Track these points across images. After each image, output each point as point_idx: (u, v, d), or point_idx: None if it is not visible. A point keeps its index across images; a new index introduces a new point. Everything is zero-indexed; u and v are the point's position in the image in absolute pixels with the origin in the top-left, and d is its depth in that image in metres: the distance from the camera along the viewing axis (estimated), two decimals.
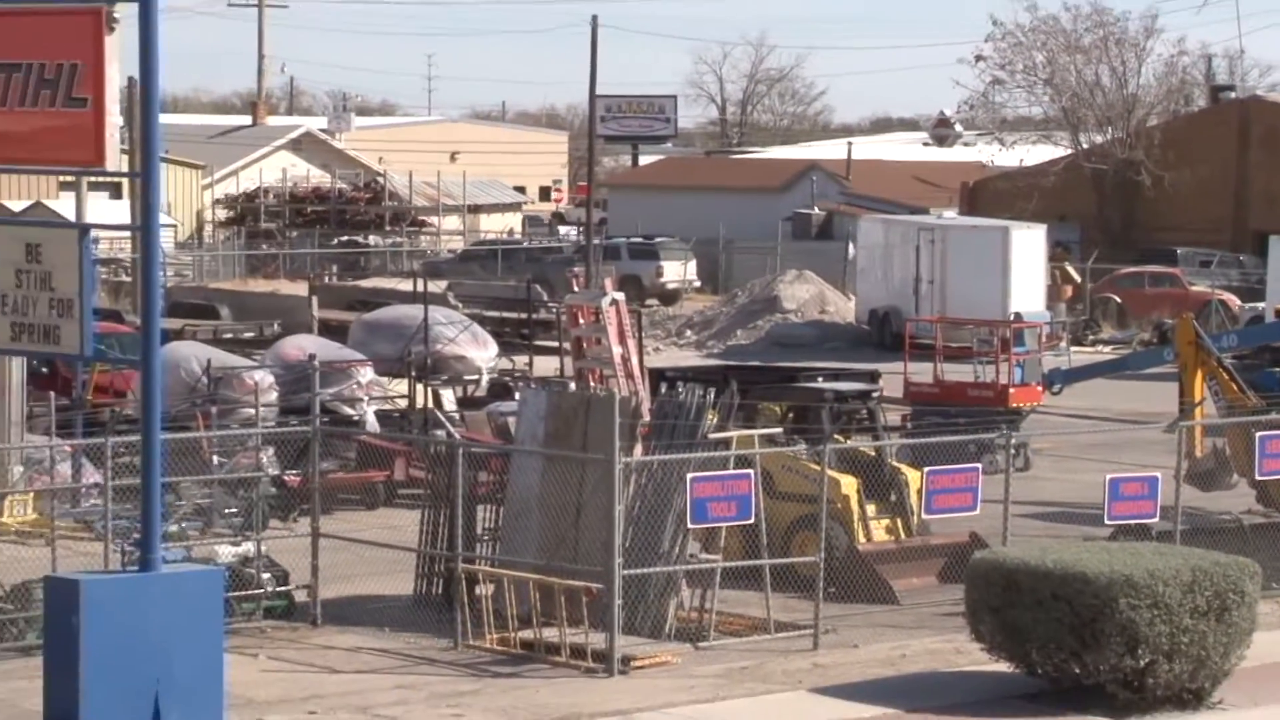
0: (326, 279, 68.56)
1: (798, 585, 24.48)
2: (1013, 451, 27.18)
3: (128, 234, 50.50)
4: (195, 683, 19.43)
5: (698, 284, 72.61)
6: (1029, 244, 58.55)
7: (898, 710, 20.84)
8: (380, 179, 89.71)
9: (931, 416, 35.26)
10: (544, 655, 22.64)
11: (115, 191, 61.98)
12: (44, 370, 35.41)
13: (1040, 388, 40.35)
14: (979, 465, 25.95)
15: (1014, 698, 21.15)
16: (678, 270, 71.81)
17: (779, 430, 27.83)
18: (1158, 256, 67.54)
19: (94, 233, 20.78)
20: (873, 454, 27.85)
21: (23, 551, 26.30)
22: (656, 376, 31.26)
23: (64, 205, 53.41)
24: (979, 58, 78.97)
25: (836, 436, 27.20)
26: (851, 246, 66.61)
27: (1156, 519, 25.67)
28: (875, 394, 31.62)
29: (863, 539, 26.71)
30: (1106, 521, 25.58)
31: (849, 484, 26.77)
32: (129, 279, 56.90)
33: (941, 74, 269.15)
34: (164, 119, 20.35)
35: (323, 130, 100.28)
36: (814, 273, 66.39)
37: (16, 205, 61.74)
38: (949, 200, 76.89)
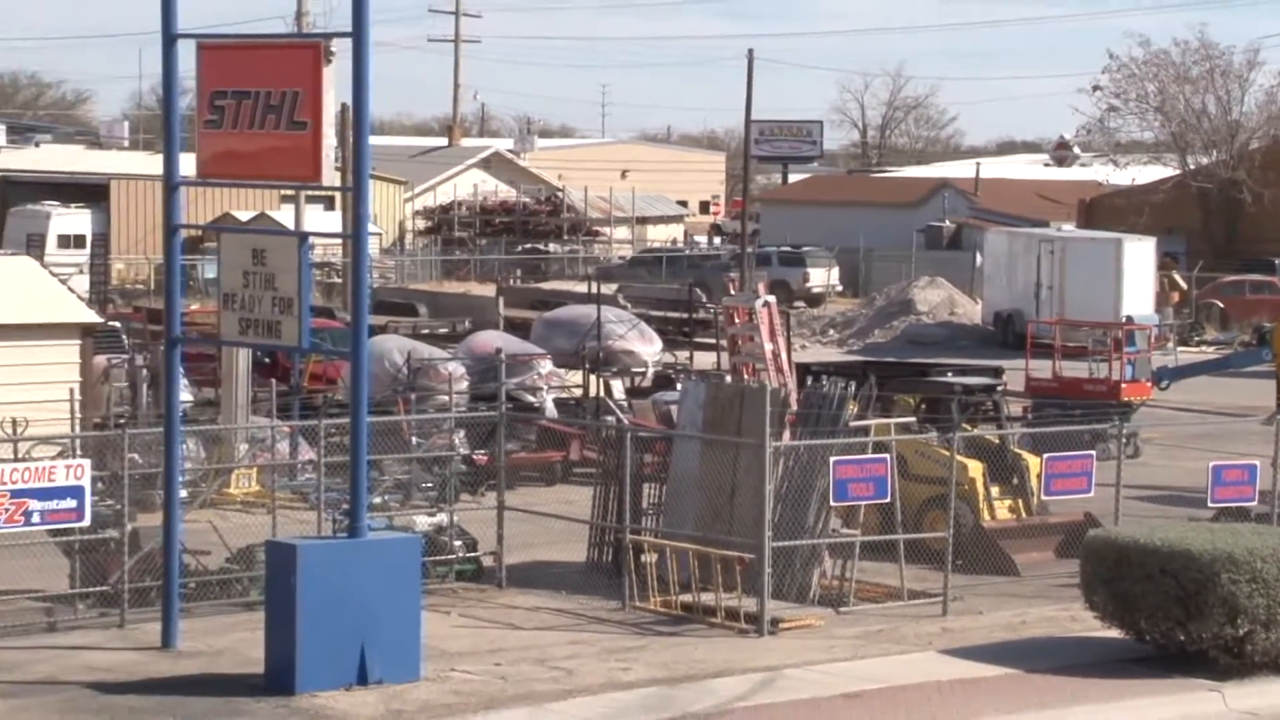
0: (512, 282, 68.83)
1: (928, 558, 24.41)
2: (1124, 440, 26.93)
3: (339, 241, 50.85)
4: (396, 635, 19.65)
5: (840, 288, 72.43)
6: (1140, 254, 58.03)
7: (1019, 670, 20.74)
8: (560, 194, 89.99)
9: (1050, 408, 34.96)
10: (701, 617, 22.67)
11: (329, 204, 62.45)
12: (266, 360, 35.77)
13: (1149, 384, 40.07)
14: (1093, 452, 25.76)
15: (1124, 661, 20.99)
16: (822, 276, 71.72)
17: (912, 419, 27.75)
18: (1257, 266, 66.71)
19: (311, 240, 21.01)
20: (997, 441, 27.73)
21: (247, 519, 26.59)
22: (803, 370, 31.25)
23: (284, 215, 53.96)
24: (1096, 88, 78.41)
25: (964, 425, 27.04)
26: (979, 256, 66.18)
27: (1255, 502, 25.45)
28: (999, 387, 31.47)
29: (987, 517, 26.59)
30: (1209, 504, 25.30)
31: (975, 468, 26.66)
32: (340, 280, 57.39)
33: (1061, 102, 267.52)
34: (372, 140, 20.51)
35: (510, 151, 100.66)
36: (944, 279, 66.08)
37: (244, 215, 62.39)
38: (1067, 215, 76.32)
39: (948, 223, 77.16)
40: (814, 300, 70.03)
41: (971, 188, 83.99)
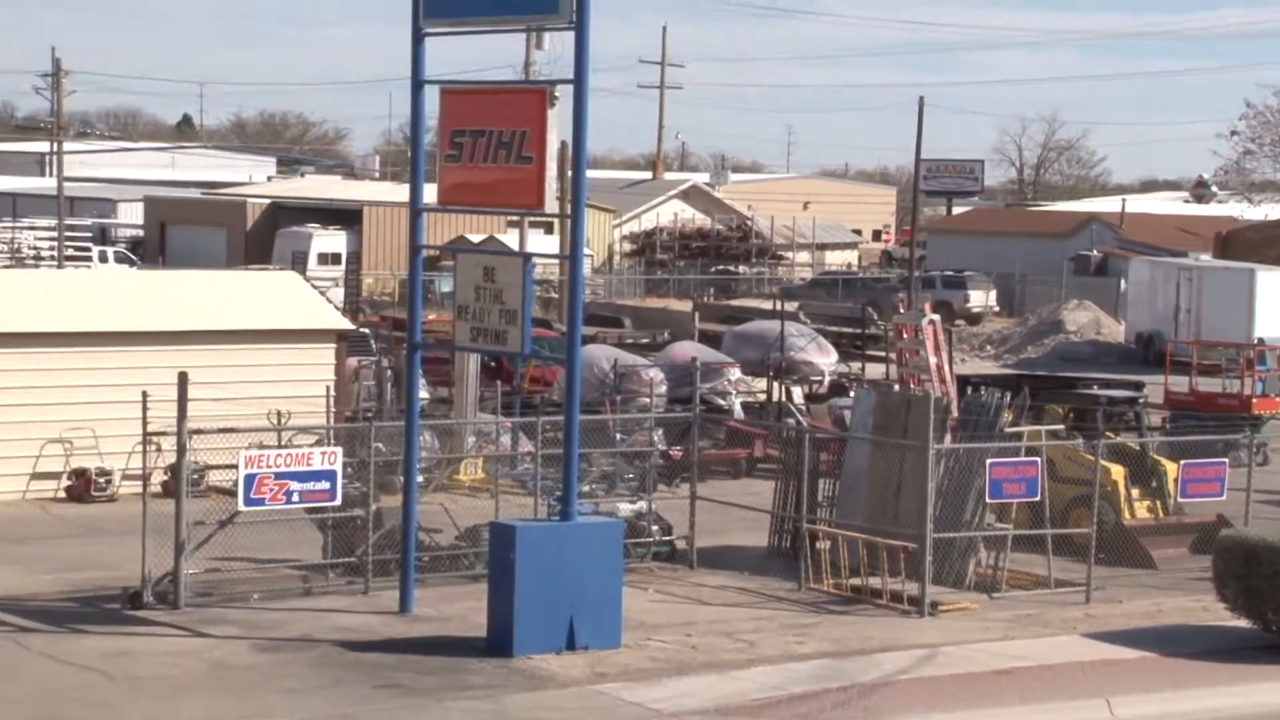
0: (706, 299, 68.82)
1: (1073, 551, 24.06)
2: (1254, 449, 26.50)
3: (558, 261, 51.09)
4: (600, 607, 19.69)
5: (997, 309, 71.74)
6: (1271, 283, 56.92)
7: (1155, 654, 20.40)
8: (749, 222, 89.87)
9: (1186, 419, 34.45)
10: (869, 598, 22.51)
11: (549, 228, 62.79)
12: (493, 364, 36.03)
13: (1278, 399, 39.34)
14: (1226, 460, 25.35)
15: (1252, 649, 20.56)
16: (981, 298, 71.09)
17: (1061, 427, 27.46)
18: None
19: (533, 260, 21.10)
20: (1137, 448, 27.31)
21: (474, 502, 26.81)
22: (963, 382, 31.02)
23: (510, 238, 54.25)
24: (1233, 133, 77.34)
25: (1108, 433, 26.70)
26: (1123, 282, 65.27)
27: None
28: (1140, 400, 31.09)
29: (1128, 516, 26.17)
30: None
31: (1117, 471, 26.26)
32: (556, 296, 57.65)
33: (1201, 145, 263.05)
34: (586, 173, 20.56)
35: (706, 184, 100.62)
36: (1091, 302, 65.33)
37: (475, 237, 62.86)
38: (1204, 247, 74.94)
39: (1095, 252, 76.10)
40: (974, 319, 69.38)
41: (1117, 221, 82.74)
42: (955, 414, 24.80)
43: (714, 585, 23.42)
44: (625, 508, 24.76)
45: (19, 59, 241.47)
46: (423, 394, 27.29)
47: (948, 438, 23.88)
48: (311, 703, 17.65)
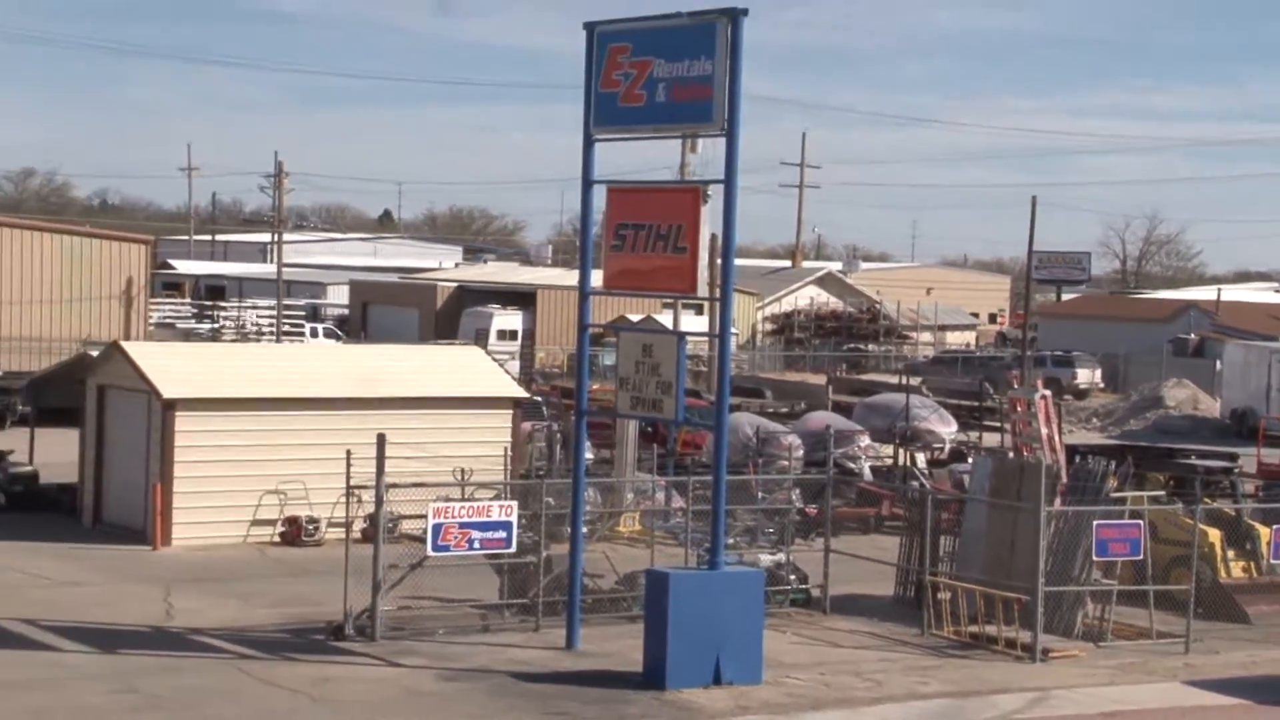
0: (838, 373, 68.55)
1: (1173, 606, 23.61)
2: None
3: (707, 339, 51.15)
4: (743, 646, 19.58)
5: (1102, 386, 70.68)
6: None
7: (1250, 701, 19.92)
8: (877, 305, 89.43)
9: (1278, 488, 33.75)
10: (985, 644, 22.21)
11: (699, 310, 62.91)
12: (649, 429, 36.09)
13: None
14: None
15: None
16: (1088, 375, 70.15)
17: (1162, 493, 27.00)
18: None
19: (686, 338, 21.14)
20: (1232, 513, 26.77)
21: (632, 551, 26.81)
22: (1071, 451, 30.59)
23: (665, 318, 54.41)
24: None
25: (1205, 499, 26.22)
26: (1218, 363, 64.14)
27: None
28: (1235, 469, 30.46)
29: (1224, 575, 25.65)
30: None
31: (1214, 534, 25.74)
32: (705, 369, 57.68)
33: None
34: (734, 262, 20.59)
35: (839, 271, 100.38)
36: (1189, 380, 64.22)
37: (634, 317, 63.03)
38: None
39: (1193, 335, 74.86)
40: (1081, 395, 68.43)
41: (1213, 308, 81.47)
42: (1064, 480, 24.47)
43: (845, 629, 23.23)
44: (766, 558, 24.66)
45: (248, 163, 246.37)
46: (588, 455, 27.38)
47: (1057, 501, 23.56)
48: None
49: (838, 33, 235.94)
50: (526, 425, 33.19)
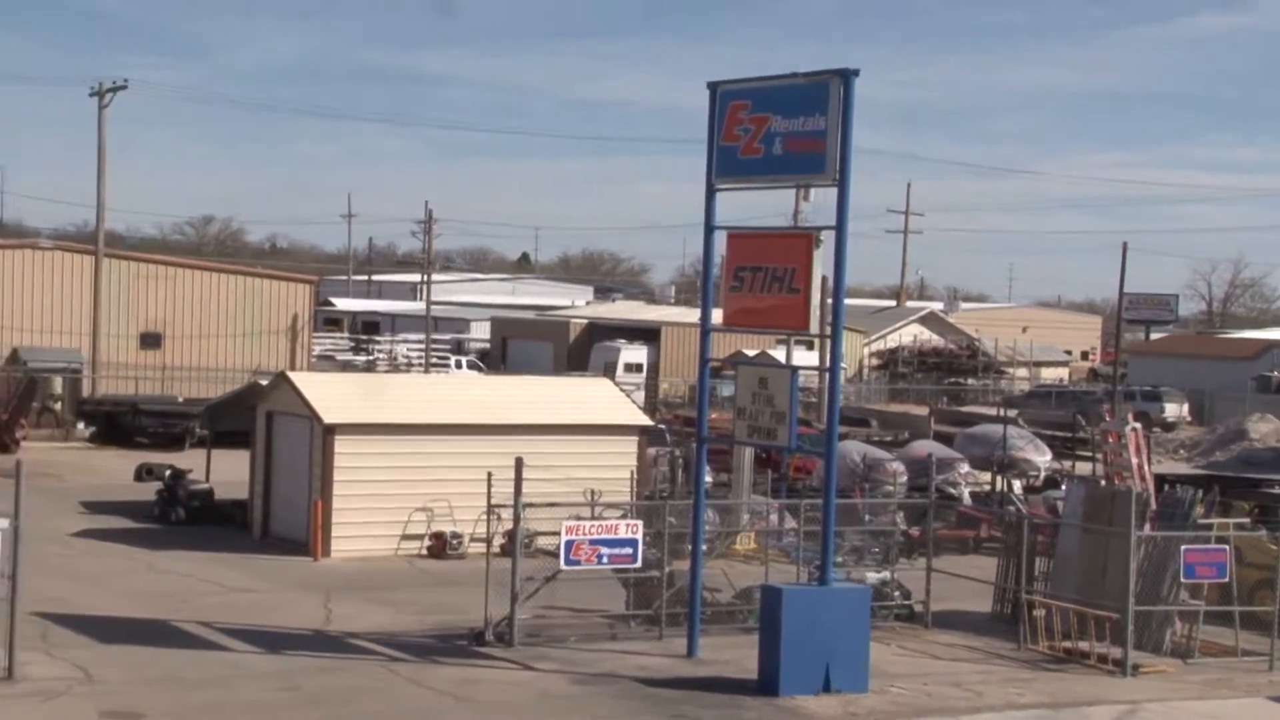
0: (940, 405, 67.84)
1: (1258, 626, 22.98)
2: None
3: (817, 372, 50.86)
4: (850, 657, 19.34)
5: (1189, 419, 69.38)
6: None
7: None
8: (976, 342, 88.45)
9: None
10: (1079, 659, 21.77)
11: (810, 345, 62.54)
12: (763, 455, 35.89)
13: None
14: None
15: None
16: (1175, 409, 68.88)
17: (1247, 520, 26.34)
18: None
19: (798, 372, 20.99)
20: None
21: (747, 568, 26.62)
22: (1160, 480, 29.96)
23: (778, 353, 54.13)
24: None
25: None
26: None
27: None
28: None
29: None
30: None
31: None
32: (816, 400, 57.31)
33: None
34: (844, 301, 20.38)
35: (940, 311, 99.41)
36: (1273, 415, 62.98)
37: (750, 352, 62.79)
38: None
39: (1275, 373, 73.45)
40: (1169, 427, 67.21)
41: None
42: (1154, 507, 23.98)
43: (945, 643, 22.88)
44: (872, 576, 24.36)
45: (400, 210, 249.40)
46: (707, 478, 27.23)
47: (1147, 526, 23.07)
48: None
49: (940, 90, 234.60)
50: (651, 451, 33.11)
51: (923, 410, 59.30)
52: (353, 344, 76.54)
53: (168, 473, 32.57)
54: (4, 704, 16.86)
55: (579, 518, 21.65)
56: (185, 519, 31.01)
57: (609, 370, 65.55)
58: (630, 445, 30.55)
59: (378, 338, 79.91)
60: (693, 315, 63.51)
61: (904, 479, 35.65)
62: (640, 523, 21.63)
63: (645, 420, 32.50)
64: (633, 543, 21.13)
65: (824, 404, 38.02)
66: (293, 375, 30.53)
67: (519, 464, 21.12)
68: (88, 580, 24.84)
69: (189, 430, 43.25)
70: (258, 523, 29.91)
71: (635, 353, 73.55)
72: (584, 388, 35.05)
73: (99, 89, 54.75)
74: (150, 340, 54.67)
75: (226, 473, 32.52)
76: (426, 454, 28.29)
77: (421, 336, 70.41)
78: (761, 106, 19.83)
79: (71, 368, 50.42)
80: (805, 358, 61.70)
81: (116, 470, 37.91)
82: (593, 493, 24.23)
